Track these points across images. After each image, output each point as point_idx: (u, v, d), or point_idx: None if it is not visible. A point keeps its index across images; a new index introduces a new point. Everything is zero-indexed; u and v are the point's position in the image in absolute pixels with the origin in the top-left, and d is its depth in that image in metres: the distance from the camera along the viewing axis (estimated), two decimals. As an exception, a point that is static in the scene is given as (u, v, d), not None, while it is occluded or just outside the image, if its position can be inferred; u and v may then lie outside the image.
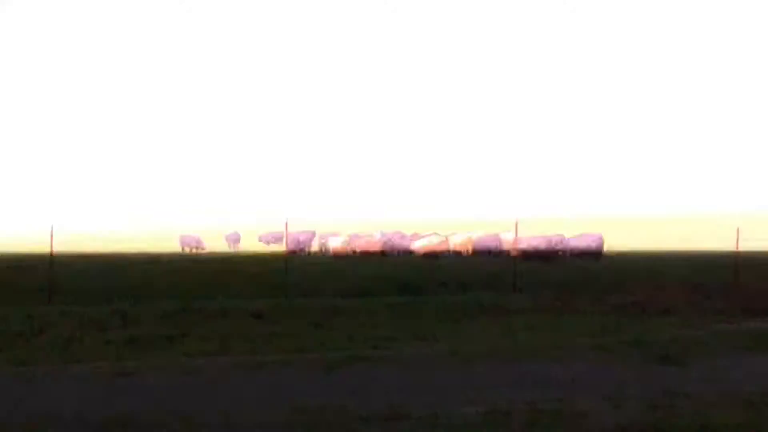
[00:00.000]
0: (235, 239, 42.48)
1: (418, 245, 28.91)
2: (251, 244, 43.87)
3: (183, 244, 39.70)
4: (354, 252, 30.04)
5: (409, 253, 29.16)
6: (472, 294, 15.91)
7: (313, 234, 36.90)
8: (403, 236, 33.84)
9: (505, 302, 14.24)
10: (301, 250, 33.18)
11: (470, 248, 29.37)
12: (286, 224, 19.08)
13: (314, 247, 35.55)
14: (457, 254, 29.11)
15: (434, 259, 27.27)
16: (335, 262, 27.10)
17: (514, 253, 18.48)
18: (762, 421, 6.50)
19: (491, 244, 29.52)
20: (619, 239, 38.49)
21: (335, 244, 30.57)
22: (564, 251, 26.89)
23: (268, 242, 41.78)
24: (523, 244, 26.51)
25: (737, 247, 18.75)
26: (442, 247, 28.99)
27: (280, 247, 38.39)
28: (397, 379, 8.36)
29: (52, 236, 17.48)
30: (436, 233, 33.53)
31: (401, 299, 15.04)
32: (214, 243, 42.12)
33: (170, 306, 14.14)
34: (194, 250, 38.47)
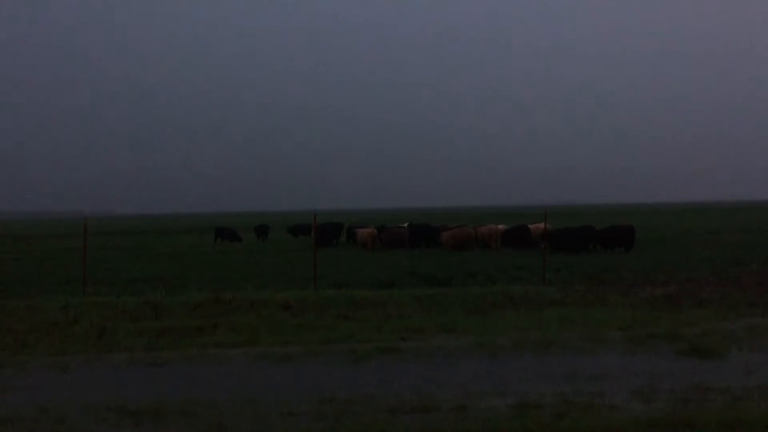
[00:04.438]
0: (264, 231, 42.75)
1: (446, 236, 28.74)
2: (280, 235, 44.14)
3: (218, 236, 40.15)
4: (382, 243, 29.99)
5: (437, 245, 29.00)
6: (501, 286, 15.79)
7: (342, 225, 36.95)
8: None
9: (534, 294, 14.12)
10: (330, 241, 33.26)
11: (499, 239, 29.12)
12: (315, 216, 19.15)
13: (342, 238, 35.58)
14: (486, 245, 28.89)
15: (462, 250, 27.11)
16: (363, 254, 27.12)
17: (543, 245, 18.25)
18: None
19: (520, 235, 29.21)
20: (650, 229, 37.94)
21: (363, 235, 30.53)
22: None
23: (296, 234, 41.96)
24: (553, 235, 26.21)
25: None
26: (471, 239, 28.77)
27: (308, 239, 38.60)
28: (425, 370, 8.37)
29: (85, 228, 17.79)
30: (464, 224, 33.32)
31: (429, 291, 14.99)
32: (247, 235, 42.46)
33: (201, 297, 14.31)
34: (229, 242, 38.91)
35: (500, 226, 30.69)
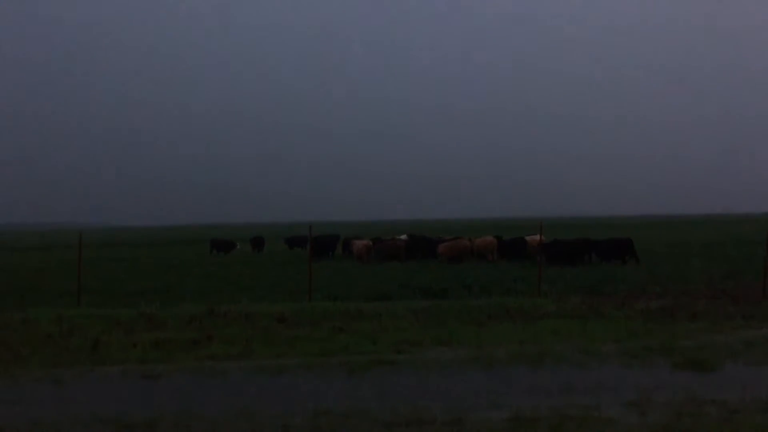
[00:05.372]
0: (259, 242, 42.67)
1: (443, 248, 28.72)
2: (276, 247, 44.07)
3: (213, 247, 40.07)
4: (377, 255, 29.95)
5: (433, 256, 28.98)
6: (497, 298, 15.79)
7: (338, 237, 36.92)
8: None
9: (530, 307, 14.11)
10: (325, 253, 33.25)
11: (495, 251, 29.13)
12: (310, 228, 19.16)
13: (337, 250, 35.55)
14: (482, 257, 28.89)
15: (458, 262, 27.12)
16: (358, 266, 27.11)
17: (539, 257, 18.27)
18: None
19: (515, 246, 29.21)
20: (645, 241, 38.00)
21: (358, 247, 30.50)
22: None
23: (291, 246, 41.91)
24: (549, 247, 26.27)
25: (768, 251, 18.36)
26: (467, 251, 28.76)
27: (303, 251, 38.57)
28: (420, 383, 8.35)
29: (80, 241, 17.74)
30: (460, 236, 33.33)
31: (425, 303, 14.98)
32: (242, 246, 42.38)
33: (195, 309, 14.28)
34: (224, 253, 38.90)
35: (495, 238, 30.66)
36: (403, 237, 33.82)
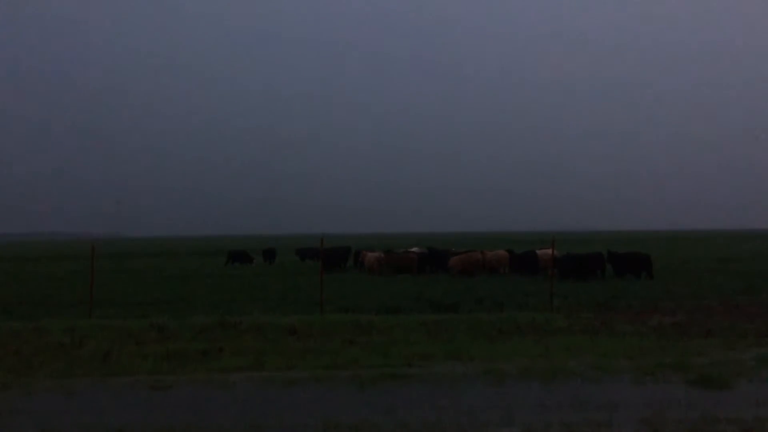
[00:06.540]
0: (271, 254, 42.77)
1: (454, 261, 28.64)
2: (287, 258, 44.12)
3: (230, 258, 40.34)
4: (389, 267, 29.89)
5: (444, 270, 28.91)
6: (508, 312, 15.71)
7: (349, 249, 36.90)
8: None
9: (541, 321, 14.02)
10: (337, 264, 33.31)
11: (507, 265, 29.01)
12: (322, 240, 19.17)
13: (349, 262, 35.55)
14: (493, 271, 28.77)
15: (470, 275, 27.02)
16: (370, 278, 27.06)
17: (550, 271, 18.16)
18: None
19: (527, 260, 29.09)
20: (658, 256, 37.74)
21: (370, 259, 30.46)
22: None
23: (303, 258, 42.01)
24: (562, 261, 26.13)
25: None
26: (478, 264, 28.66)
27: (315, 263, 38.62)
28: (431, 397, 8.30)
29: (93, 252, 17.87)
30: (472, 249, 33.25)
31: (436, 317, 14.92)
32: (255, 258, 42.55)
33: (206, 320, 14.31)
34: (240, 264, 39.20)
35: (507, 252, 30.57)
36: (415, 249, 33.73)
